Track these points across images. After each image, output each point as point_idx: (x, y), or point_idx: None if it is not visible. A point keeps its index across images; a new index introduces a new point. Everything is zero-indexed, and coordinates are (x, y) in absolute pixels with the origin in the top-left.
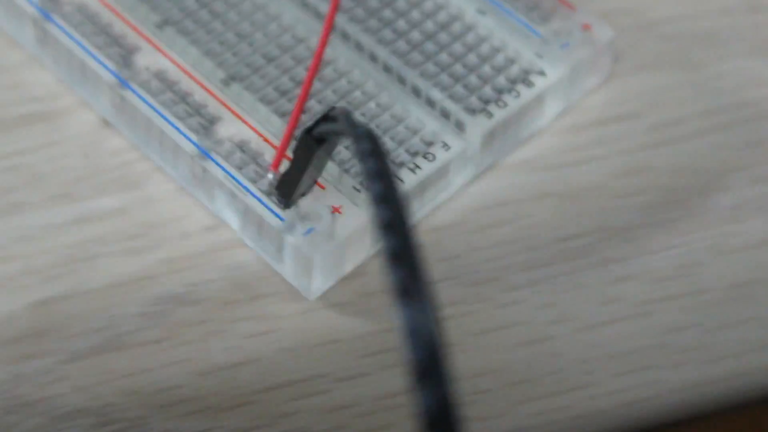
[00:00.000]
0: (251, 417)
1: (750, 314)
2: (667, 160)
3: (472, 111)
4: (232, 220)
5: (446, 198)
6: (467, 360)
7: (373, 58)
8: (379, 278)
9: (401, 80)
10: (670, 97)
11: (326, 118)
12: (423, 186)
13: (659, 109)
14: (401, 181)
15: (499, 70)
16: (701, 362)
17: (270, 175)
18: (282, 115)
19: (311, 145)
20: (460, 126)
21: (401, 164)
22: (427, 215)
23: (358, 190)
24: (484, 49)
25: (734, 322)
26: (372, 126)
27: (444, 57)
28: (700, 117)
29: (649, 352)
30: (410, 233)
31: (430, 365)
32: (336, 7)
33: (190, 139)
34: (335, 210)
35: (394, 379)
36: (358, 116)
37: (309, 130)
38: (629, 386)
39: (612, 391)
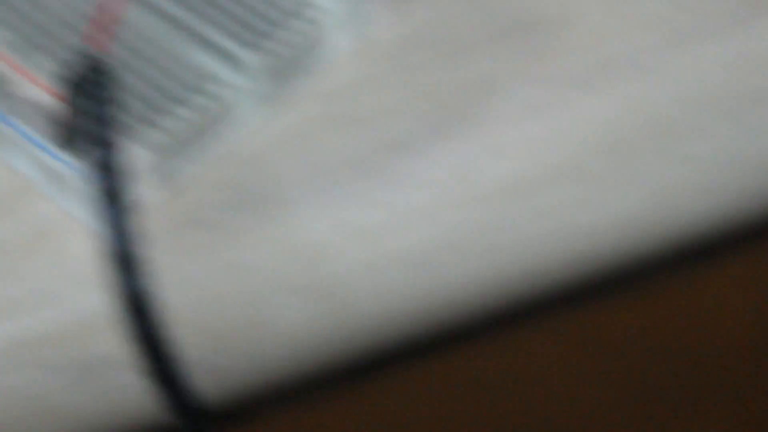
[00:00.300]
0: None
1: (529, 211)
2: (448, 73)
3: (249, 46)
4: (28, 171)
5: (233, 130)
6: (247, 267)
7: (152, 7)
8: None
9: (179, 24)
10: (452, 18)
11: (85, 68)
12: (205, 120)
13: (442, 30)
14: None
15: (274, 4)
16: (486, 260)
17: (50, 124)
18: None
19: (75, 92)
20: (240, 62)
21: (180, 101)
22: (213, 147)
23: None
24: None
25: (515, 220)
26: (151, 68)
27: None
28: (480, 31)
29: (434, 253)
30: (113, 148)
31: (126, 257)
32: None
33: None
34: None
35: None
36: (136, 61)
37: (69, 80)
38: (416, 285)
39: (392, 290)
